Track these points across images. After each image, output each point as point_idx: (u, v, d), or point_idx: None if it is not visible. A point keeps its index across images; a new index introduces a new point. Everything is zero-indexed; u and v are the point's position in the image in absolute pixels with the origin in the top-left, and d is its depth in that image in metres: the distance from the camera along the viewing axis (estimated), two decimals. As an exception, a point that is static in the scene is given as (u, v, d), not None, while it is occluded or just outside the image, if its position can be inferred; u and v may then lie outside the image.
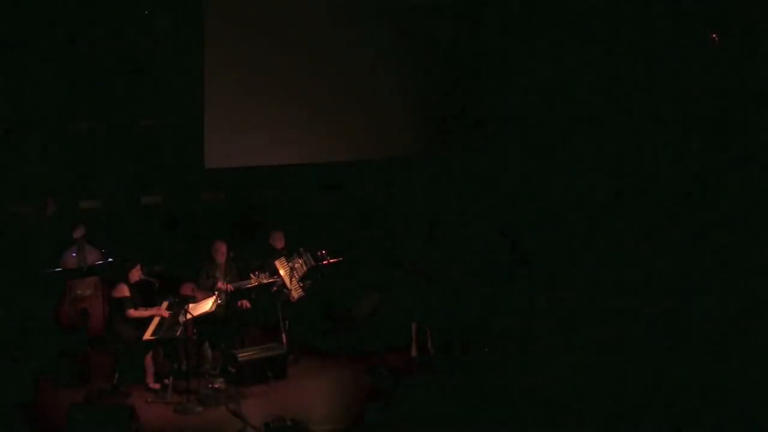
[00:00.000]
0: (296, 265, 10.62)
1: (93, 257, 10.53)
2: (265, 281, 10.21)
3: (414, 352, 10.62)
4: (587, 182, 12.55)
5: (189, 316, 9.54)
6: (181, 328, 9.50)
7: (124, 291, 9.75)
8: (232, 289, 10.14)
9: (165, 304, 9.90)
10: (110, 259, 10.46)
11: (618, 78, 12.07)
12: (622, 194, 12.07)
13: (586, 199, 12.46)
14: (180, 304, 9.72)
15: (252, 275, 10.21)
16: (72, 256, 10.51)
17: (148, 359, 9.73)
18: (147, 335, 9.58)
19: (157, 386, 9.71)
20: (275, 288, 10.36)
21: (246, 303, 10.45)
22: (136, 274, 9.83)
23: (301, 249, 10.76)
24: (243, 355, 9.91)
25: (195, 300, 9.91)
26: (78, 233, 10.56)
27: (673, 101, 11.78)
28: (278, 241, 10.80)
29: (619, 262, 11.93)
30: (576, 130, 12.66)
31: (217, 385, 9.76)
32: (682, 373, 9.90)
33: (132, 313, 9.68)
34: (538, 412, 9.17)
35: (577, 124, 12.65)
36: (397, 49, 12.52)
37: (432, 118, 12.88)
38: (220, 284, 10.16)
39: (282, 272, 10.42)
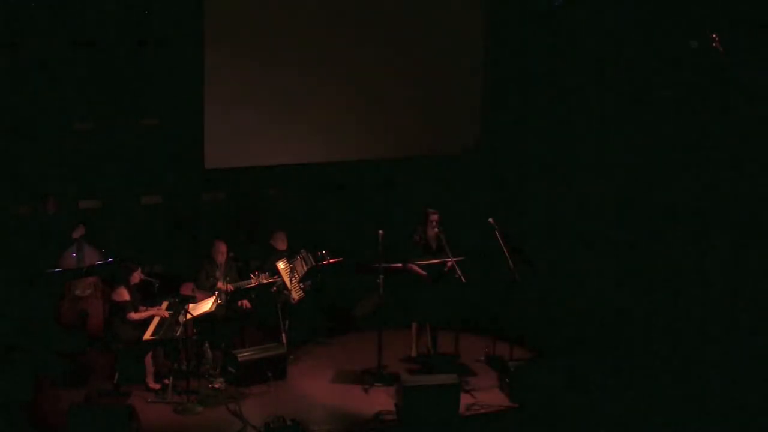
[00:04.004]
0: (296, 266, 10.62)
1: (92, 257, 10.52)
2: (265, 281, 10.21)
3: (414, 352, 10.61)
4: (589, 184, 12.56)
5: (189, 316, 9.54)
6: (181, 328, 9.49)
7: (123, 295, 9.73)
8: (232, 289, 10.14)
9: (165, 304, 9.90)
10: (110, 259, 10.45)
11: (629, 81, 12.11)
12: (628, 198, 12.10)
13: (589, 201, 12.48)
14: (180, 304, 9.72)
15: (252, 275, 10.21)
16: (71, 256, 10.50)
17: (148, 359, 9.72)
18: (147, 335, 9.57)
19: (157, 386, 9.70)
20: (275, 288, 10.36)
21: (246, 303, 10.45)
22: (136, 277, 9.82)
23: (302, 249, 10.76)
24: (243, 355, 9.91)
25: (195, 300, 9.91)
26: (78, 233, 10.55)
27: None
28: (280, 243, 10.79)
29: (621, 265, 11.95)
30: (579, 131, 12.70)
31: (217, 385, 9.76)
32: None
33: (132, 316, 9.67)
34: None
35: (583, 125, 12.68)
36: (397, 48, 12.53)
37: (432, 118, 12.90)
38: (220, 284, 10.16)
39: (282, 273, 10.42)
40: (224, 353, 10.10)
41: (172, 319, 9.66)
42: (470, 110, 13.11)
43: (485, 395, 9.59)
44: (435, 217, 10.28)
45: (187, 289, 10.20)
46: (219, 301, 9.97)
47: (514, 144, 13.19)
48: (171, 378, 9.55)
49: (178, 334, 9.48)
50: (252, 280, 10.18)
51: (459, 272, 9.89)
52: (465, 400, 9.31)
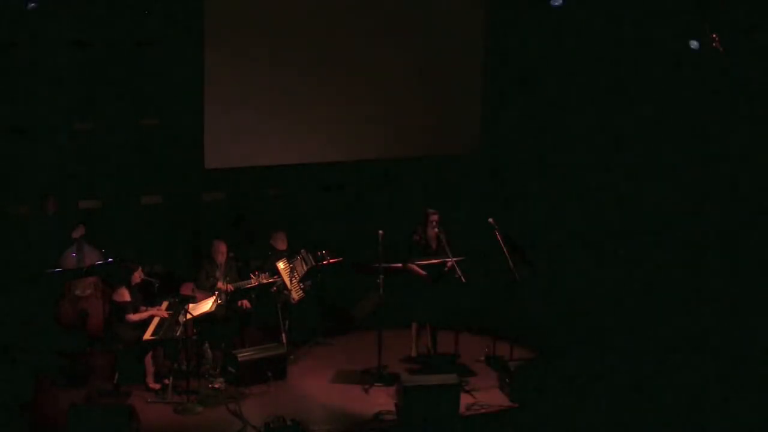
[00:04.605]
0: (296, 266, 10.62)
1: (93, 257, 10.52)
2: (265, 281, 10.21)
3: (414, 352, 10.60)
4: (589, 184, 12.57)
5: (189, 316, 9.54)
6: (181, 328, 9.49)
7: (124, 296, 9.73)
8: (232, 289, 10.14)
9: (165, 304, 9.90)
10: (110, 259, 10.44)
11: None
12: (628, 198, 12.14)
13: (589, 201, 12.48)
14: (180, 304, 9.72)
15: (252, 275, 10.21)
16: (72, 256, 10.50)
17: (148, 359, 9.72)
18: (147, 335, 9.57)
19: (157, 386, 9.70)
20: (275, 288, 10.36)
21: (246, 303, 10.44)
22: (137, 277, 9.82)
23: (302, 249, 10.76)
24: (243, 355, 9.91)
25: (195, 300, 9.90)
26: (78, 233, 10.55)
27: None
28: (280, 243, 10.80)
29: (621, 265, 11.97)
30: (579, 131, 12.71)
31: (217, 385, 9.75)
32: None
33: (131, 317, 9.67)
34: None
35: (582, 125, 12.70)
36: (397, 48, 12.52)
37: (432, 118, 12.90)
38: (220, 284, 10.16)
39: (282, 273, 10.41)
40: (224, 353, 10.10)
41: (172, 319, 9.66)
42: (470, 110, 13.11)
43: (485, 395, 9.59)
44: (435, 217, 10.28)
45: (187, 289, 10.19)
46: (219, 301, 9.96)
47: (514, 144, 13.19)
48: (171, 378, 9.55)
49: (178, 334, 9.48)
50: (252, 280, 10.18)
51: (459, 272, 9.89)
52: (465, 400, 9.31)
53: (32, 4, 10.21)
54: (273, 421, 8.62)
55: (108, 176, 11.68)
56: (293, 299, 10.54)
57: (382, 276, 9.93)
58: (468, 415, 9.15)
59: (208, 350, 10.13)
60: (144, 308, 9.83)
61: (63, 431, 8.44)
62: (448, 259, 10.04)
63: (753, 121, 11.00)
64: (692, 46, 10.95)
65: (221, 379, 9.83)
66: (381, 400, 9.53)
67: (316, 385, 9.99)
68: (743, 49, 10.72)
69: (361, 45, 12.34)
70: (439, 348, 10.53)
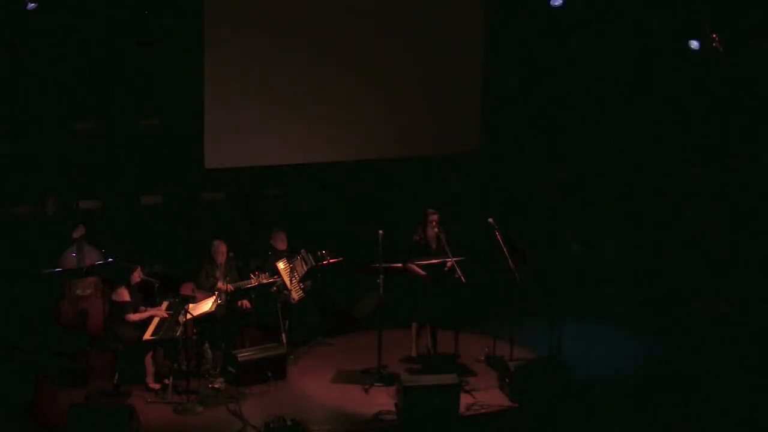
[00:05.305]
0: (296, 266, 10.62)
1: (93, 257, 10.52)
2: (265, 281, 10.20)
3: (414, 352, 10.60)
4: (589, 184, 12.59)
5: (189, 316, 9.54)
6: (181, 328, 9.49)
7: (124, 295, 9.73)
8: (232, 289, 10.14)
9: (165, 304, 9.90)
10: (110, 259, 10.44)
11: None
12: (628, 198, 12.16)
13: (589, 201, 12.50)
14: (180, 304, 9.72)
15: (252, 275, 10.20)
16: (72, 256, 10.50)
17: (148, 359, 9.72)
18: (147, 335, 9.57)
19: (157, 386, 9.70)
20: (275, 288, 10.36)
21: (246, 303, 10.45)
22: (136, 277, 9.82)
23: (302, 249, 10.76)
24: (243, 355, 9.91)
25: (195, 300, 9.90)
26: (78, 233, 10.55)
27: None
28: (280, 243, 10.79)
29: (622, 265, 11.98)
30: (579, 131, 12.73)
31: (217, 385, 9.75)
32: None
33: (131, 317, 9.67)
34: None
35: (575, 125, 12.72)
36: (397, 48, 12.52)
37: (432, 118, 12.90)
38: (220, 284, 10.16)
39: (282, 273, 10.41)
40: (224, 353, 10.10)
41: (172, 319, 9.66)
42: (470, 110, 13.12)
43: (485, 395, 9.59)
44: (435, 217, 10.28)
45: (187, 289, 10.19)
46: (219, 301, 9.96)
47: (514, 144, 13.20)
48: (171, 378, 9.55)
49: (178, 334, 9.48)
50: (252, 280, 10.17)
51: (459, 272, 9.89)
52: (465, 400, 9.31)
53: (32, 4, 10.21)
54: (273, 421, 8.61)
55: (108, 176, 11.68)
56: (293, 299, 10.54)
57: (382, 276, 9.93)
58: (468, 415, 9.15)
59: (208, 350, 10.13)
60: (144, 308, 9.83)
61: (63, 431, 8.44)
62: (448, 259, 10.03)
63: (754, 120, 11.02)
64: (692, 46, 10.96)
65: (221, 379, 9.83)
66: (381, 400, 9.52)
67: (316, 385, 9.99)
68: (743, 49, 10.74)
69: (361, 45, 12.34)
70: (439, 348, 10.52)
